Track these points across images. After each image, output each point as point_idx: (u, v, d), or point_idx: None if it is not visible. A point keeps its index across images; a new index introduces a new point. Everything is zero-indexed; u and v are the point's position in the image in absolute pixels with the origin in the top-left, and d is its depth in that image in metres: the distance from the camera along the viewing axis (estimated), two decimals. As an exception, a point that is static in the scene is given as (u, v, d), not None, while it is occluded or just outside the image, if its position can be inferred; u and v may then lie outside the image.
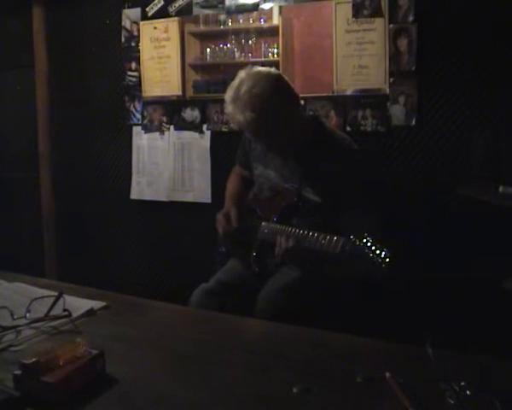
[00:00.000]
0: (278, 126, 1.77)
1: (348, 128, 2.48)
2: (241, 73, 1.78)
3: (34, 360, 0.92)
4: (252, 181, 2.08)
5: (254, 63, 3.10)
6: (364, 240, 1.43)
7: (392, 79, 2.39)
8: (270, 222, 1.87)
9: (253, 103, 1.70)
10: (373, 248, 1.41)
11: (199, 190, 2.92)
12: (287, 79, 1.85)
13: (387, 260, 1.39)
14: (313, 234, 1.63)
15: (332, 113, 2.53)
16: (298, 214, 1.83)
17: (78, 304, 1.34)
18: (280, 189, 1.92)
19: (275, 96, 1.74)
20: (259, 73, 1.78)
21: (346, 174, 1.79)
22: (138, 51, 2.99)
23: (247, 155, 2.08)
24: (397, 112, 2.39)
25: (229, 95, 1.77)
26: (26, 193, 3.46)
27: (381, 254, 1.40)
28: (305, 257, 1.71)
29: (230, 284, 1.93)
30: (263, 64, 3.17)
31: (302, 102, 2.57)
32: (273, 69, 1.86)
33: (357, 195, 1.81)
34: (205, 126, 2.87)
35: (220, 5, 2.72)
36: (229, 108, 1.76)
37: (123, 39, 3.02)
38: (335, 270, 1.74)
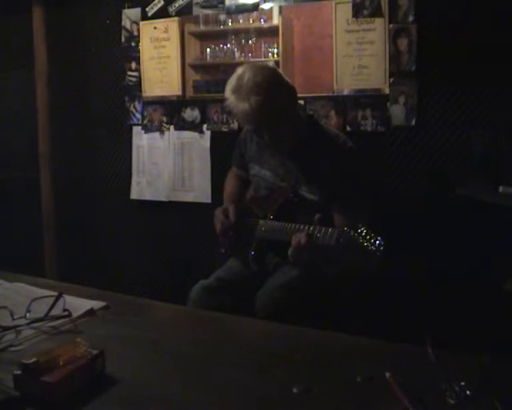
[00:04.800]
0: (280, 115, 1.78)
1: (348, 128, 2.48)
2: (239, 70, 1.80)
3: (34, 360, 0.91)
4: (248, 181, 2.09)
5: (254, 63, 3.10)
6: (359, 230, 1.44)
7: (392, 79, 2.39)
8: (268, 220, 1.88)
9: (257, 89, 1.72)
10: (367, 237, 1.42)
11: (199, 190, 2.92)
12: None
13: (382, 248, 1.40)
14: (309, 228, 1.64)
15: (332, 113, 2.53)
16: (294, 212, 1.84)
17: (78, 304, 1.34)
18: (276, 187, 1.93)
19: (276, 83, 1.79)
20: (258, 64, 1.86)
21: (340, 172, 1.80)
22: (138, 51, 2.99)
23: (242, 155, 2.09)
24: (397, 112, 2.39)
25: (230, 86, 1.78)
26: (26, 193, 3.46)
27: (375, 243, 1.41)
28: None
29: (229, 281, 1.94)
30: (263, 64, 3.18)
31: (302, 102, 2.58)
32: (271, 63, 1.89)
33: (352, 192, 1.81)
34: (205, 126, 2.87)
35: (220, 5, 2.73)
36: (231, 98, 1.77)
37: (123, 39, 3.02)
38: (332, 262, 1.74)
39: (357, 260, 1.45)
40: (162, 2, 2.87)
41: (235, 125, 2.74)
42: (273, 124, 1.80)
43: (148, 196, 3.09)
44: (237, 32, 3.26)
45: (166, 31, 2.90)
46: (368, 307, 2.14)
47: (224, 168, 2.34)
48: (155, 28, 2.92)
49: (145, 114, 3.02)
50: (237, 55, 3.25)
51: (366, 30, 2.41)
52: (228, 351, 1.12)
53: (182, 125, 2.93)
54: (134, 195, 3.12)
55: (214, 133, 2.85)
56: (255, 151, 2.01)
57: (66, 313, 1.26)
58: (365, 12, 2.39)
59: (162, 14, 2.88)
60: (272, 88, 1.75)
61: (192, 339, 1.20)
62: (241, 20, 3.25)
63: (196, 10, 2.78)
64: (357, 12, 2.41)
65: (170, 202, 3.02)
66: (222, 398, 0.93)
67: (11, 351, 1.10)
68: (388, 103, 2.40)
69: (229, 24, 3.22)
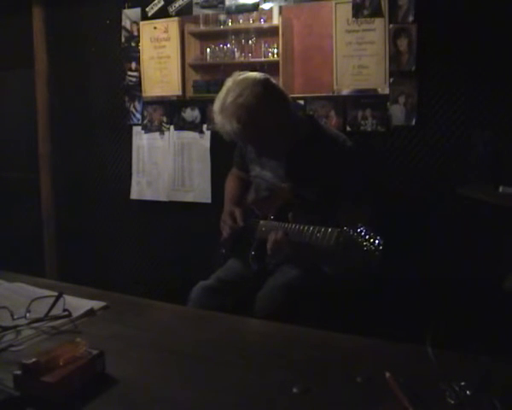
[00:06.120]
0: (266, 133, 1.78)
1: (348, 128, 2.48)
2: (228, 82, 1.79)
3: (34, 360, 0.91)
4: (249, 182, 2.09)
5: (254, 63, 3.11)
6: (358, 230, 1.44)
7: (392, 79, 2.39)
8: (268, 221, 1.88)
9: (238, 114, 1.71)
10: (367, 237, 1.43)
11: (199, 190, 2.92)
12: (274, 82, 1.84)
13: (381, 248, 1.40)
14: (308, 228, 1.64)
15: (332, 113, 2.53)
16: (294, 212, 1.84)
17: (78, 304, 1.34)
18: (276, 188, 1.93)
19: (260, 104, 1.73)
20: (245, 80, 1.77)
21: (341, 172, 1.81)
22: (138, 51, 2.99)
23: (243, 156, 2.10)
24: (397, 112, 2.39)
25: (216, 105, 1.78)
26: (26, 193, 3.46)
27: (374, 242, 1.41)
28: (299, 251, 1.72)
29: (230, 281, 1.94)
30: (262, 64, 3.19)
31: (302, 102, 2.58)
32: (259, 74, 1.84)
33: (352, 191, 1.81)
34: (205, 126, 2.87)
35: (220, 5, 2.72)
36: (218, 118, 1.77)
37: (123, 39, 3.02)
38: (331, 263, 1.75)
39: (357, 260, 1.45)
40: (162, 2, 2.87)
41: (235, 126, 2.74)
42: (261, 140, 1.81)
43: (148, 196, 3.09)
44: (237, 32, 3.26)
45: (166, 31, 2.90)
46: (368, 307, 2.14)
47: (224, 168, 2.34)
48: (155, 28, 2.92)
49: (145, 114, 3.02)
50: (237, 55, 3.25)
51: (366, 30, 2.41)
52: (228, 351, 1.12)
53: (182, 125, 2.93)
54: (134, 195, 3.12)
55: (214, 133, 2.84)
56: (255, 152, 2.01)
57: (66, 313, 1.26)
58: (365, 12, 2.39)
59: (162, 14, 2.88)
60: (255, 110, 1.72)
61: (192, 339, 1.20)
62: (241, 20, 3.26)
63: (196, 10, 2.78)
64: (357, 12, 2.41)
65: (170, 201, 3.02)
66: (222, 398, 0.93)
67: (11, 351, 1.10)
68: (388, 103, 2.40)
69: (229, 24, 3.23)
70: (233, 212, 1.99)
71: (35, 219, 3.37)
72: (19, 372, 0.91)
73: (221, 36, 3.26)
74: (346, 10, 2.44)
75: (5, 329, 1.18)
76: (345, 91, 2.50)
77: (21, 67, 3.35)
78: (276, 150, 1.89)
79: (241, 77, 1.79)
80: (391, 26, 2.36)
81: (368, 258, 1.42)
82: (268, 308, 1.73)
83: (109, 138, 3.16)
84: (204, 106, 2.86)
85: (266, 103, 1.76)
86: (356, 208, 1.77)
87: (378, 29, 2.38)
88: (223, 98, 1.76)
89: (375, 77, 2.42)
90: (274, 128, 1.78)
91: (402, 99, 2.37)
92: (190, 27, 3.05)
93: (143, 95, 3.01)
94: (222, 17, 3.15)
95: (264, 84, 1.79)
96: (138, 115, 3.04)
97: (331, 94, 2.56)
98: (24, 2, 3.19)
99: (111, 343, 1.13)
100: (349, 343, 1.15)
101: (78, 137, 3.28)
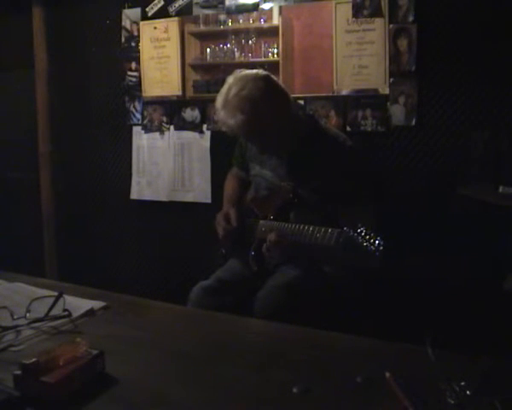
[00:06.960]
0: (269, 127, 1.78)
1: (348, 128, 2.48)
2: (230, 79, 1.80)
3: (34, 360, 0.91)
4: (249, 182, 2.09)
5: (254, 63, 3.11)
6: (358, 230, 1.45)
7: (392, 79, 2.39)
8: (268, 221, 1.88)
9: (242, 106, 1.72)
10: (367, 237, 1.43)
11: (199, 190, 2.92)
12: (275, 79, 1.86)
13: (381, 248, 1.41)
14: (308, 228, 1.64)
15: (332, 113, 2.53)
16: (294, 212, 1.85)
17: (78, 304, 1.34)
18: (276, 187, 1.93)
19: (263, 97, 1.75)
20: (247, 75, 1.80)
21: (341, 171, 1.81)
22: (138, 51, 2.99)
23: (243, 155, 2.10)
24: (397, 112, 2.39)
25: (219, 101, 1.79)
26: (26, 193, 3.46)
27: (374, 242, 1.42)
28: (299, 250, 1.72)
29: (229, 282, 1.94)
30: (262, 64, 3.19)
31: (302, 102, 2.58)
32: (260, 71, 1.86)
33: (352, 191, 1.82)
34: (205, 126, 2.87)
35: (220, 5, 2.73)
36: (220, 114, 1.78)
37: (123, 39, 3.02)
38: (331, 263, 1.75)
39: (357, 260, 1.45)
40: (162, 2, 2.87)
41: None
42: (261, 136, 1.81)
43: (148, 196, 3.09)
44: (237, 32, 3.26)
45: (166, 31, 2.90)
46: (368, 307, 2.14)
47: (223, 168, 2.34)
48: (155, 28, 2.92)
49: (145, 114, 3.02)
50: (237, 55, 3.25)
51: (366, 30, 2.41)
52: (228, 351, 1.12)
53: (182, 125, 2.93)
54: (134, 195, 3.12)
55: (214, 133, 2.85)
56: (255, 151, 2.02)
57: (66, 313, 1.26)
58: (365, 12, 2.39)
59: (162, 14, 2.88)
60: (258, 103, 1.73)
61: (192, 339, 1.20)
62: (241, 20, 3.25)
63: (196, 10, 2.78)
64: (357, 12, 2.41)
65: (170, 202, 3.02)
66: (222, 398, 0.93)
67: (11, 351, 1.10)
68: (388, 103, 2.40)
69: (229, 24, 3.23)
70: (228, 213, 1.99)
71: (35, 219, 3.37)
72: (19, 372, 0.91)
73: (221, 36, 3.26)
74: (346, 10, 2.44)
75: (5, 329, 1.18)
76: (345, 91, 2.50)
77: (21, 67, 3.35)
78: (276, 148, 1.89)
79: (242, 73, 1.81)
80: (391, 26, 2.36)
81: (368, 258, 1.42)
82: (268, 308, 1.73)
83: (109, 138, 3.16)
84: (204, 106, 2.86)
85: (268, 97, 1.77)
86: (356, 208, 1.77)
87: (378, 29, 2.38)
88: (225, 93, 1.77)
89: (375, 77, 2.42)
90: (275, 124, 1.79)
91: (402, 99, 2.37)
92: (190, 27, 3.05)
93: (143, 95, 3.01)
94: (222, 17, 3.15)
95: (266, 79, 1.82)
96: (138, 115, 3.04)
97: (331, 94, 2.56)
98: (24, 2, 3.19)
99: (111, 343, 1.13)
100: (349, 343, 1.15)
101: (78, 137, 3.28)
